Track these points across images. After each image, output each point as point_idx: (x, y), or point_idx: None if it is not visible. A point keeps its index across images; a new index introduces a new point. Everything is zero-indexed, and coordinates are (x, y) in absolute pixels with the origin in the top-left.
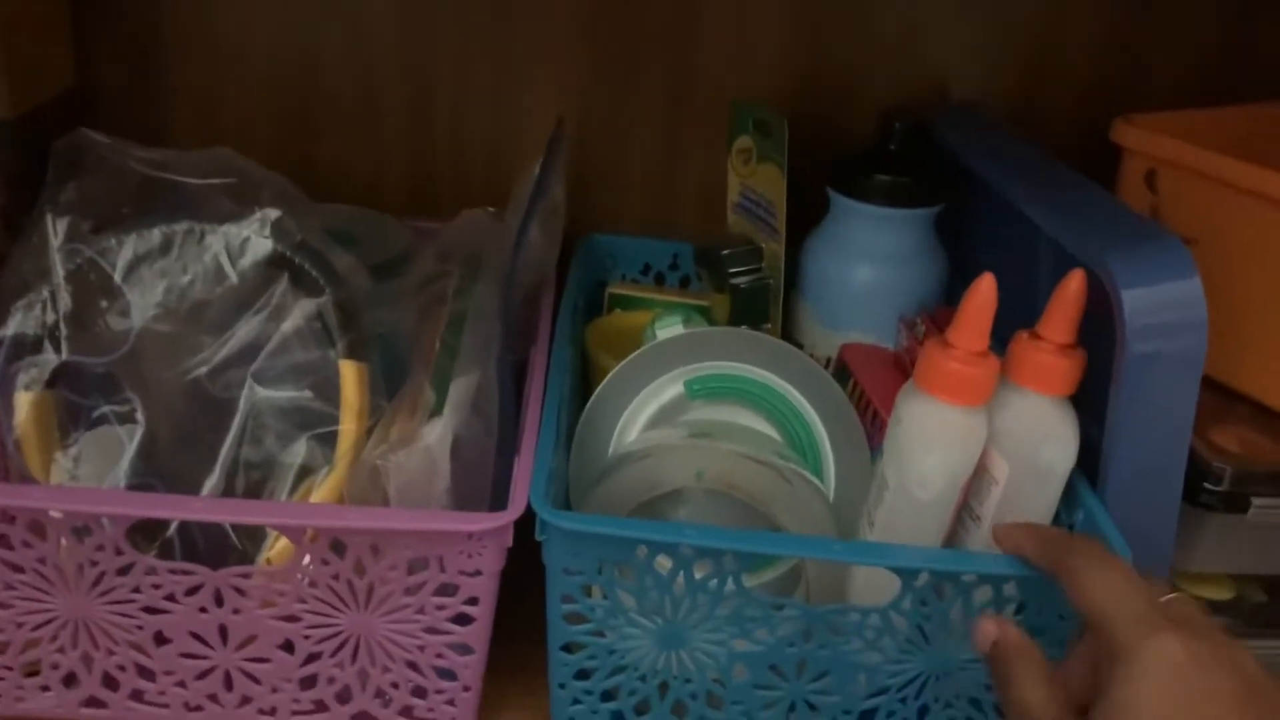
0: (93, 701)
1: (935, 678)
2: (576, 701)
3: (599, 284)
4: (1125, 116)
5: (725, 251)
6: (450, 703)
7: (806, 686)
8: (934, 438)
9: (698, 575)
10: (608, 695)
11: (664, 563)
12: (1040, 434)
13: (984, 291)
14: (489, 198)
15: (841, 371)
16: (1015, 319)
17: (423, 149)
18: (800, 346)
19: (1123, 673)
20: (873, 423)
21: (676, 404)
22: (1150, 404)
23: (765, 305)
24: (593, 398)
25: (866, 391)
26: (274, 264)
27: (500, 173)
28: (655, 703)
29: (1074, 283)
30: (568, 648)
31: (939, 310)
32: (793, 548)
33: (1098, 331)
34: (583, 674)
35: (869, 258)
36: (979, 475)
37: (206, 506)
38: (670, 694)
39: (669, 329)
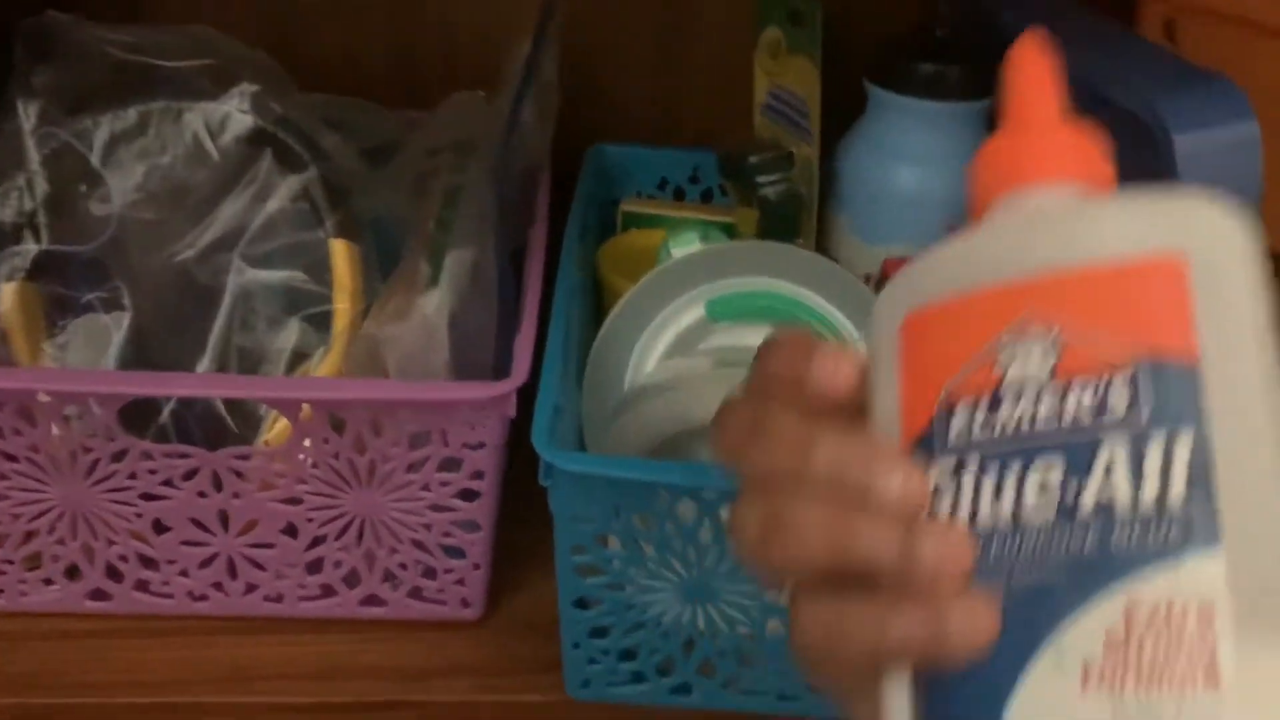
0: (97, 593)
1: None
2: (593, 661)
3: (611, 201)
4: None
5: (751, 159)
6: (460, 582)
7: None
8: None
9: (725, 521)
10: (627, 654)
11: (688, 507)
12: None
13: (1032, 50)
14: (476, 88)
15: None
16: None
17: (409, 35)
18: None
19: None
20: None
21: (698, 329)
22: None
23: (796, 218)
24: (605, 325)
25: None
26: (256, 140)
27: (490, 61)
28: (680, 661)
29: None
30: (581, 603)
31: None
32: None
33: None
34: (599, 631)
35: (913, 160)
36: None
37: (200, 382)
38: (696, 652)
39: (684, 246)
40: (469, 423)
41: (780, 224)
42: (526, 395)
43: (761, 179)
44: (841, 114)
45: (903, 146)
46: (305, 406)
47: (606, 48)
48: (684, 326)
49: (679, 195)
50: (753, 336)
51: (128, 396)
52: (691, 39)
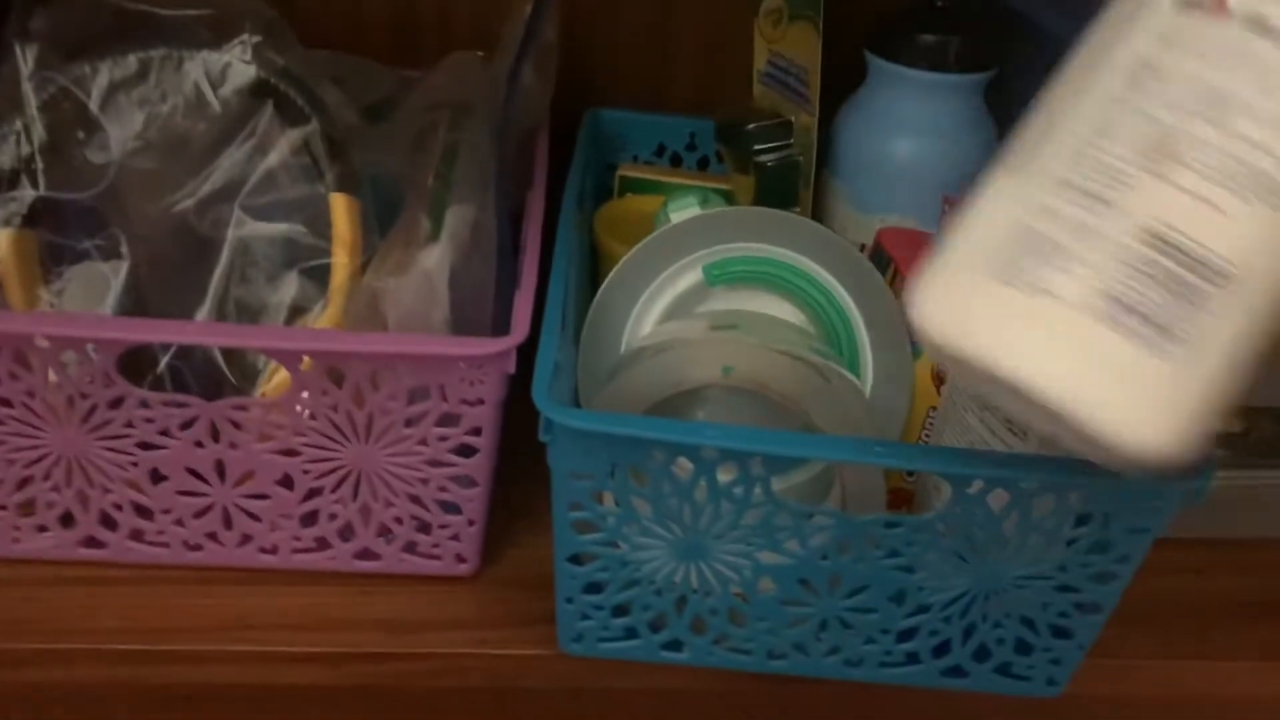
0: (91, 541)
1: (985, 595)
2: (586, 617)
3: (608, 166)
4: None
5: (750, 126)
6: (454, 537)
7: (840, 603)
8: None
9: (721, 480)
10: (620, 610)
11: (684, 466)
12: None
13: None
14: (474, 48)
15: (879, 258)
16: None
17: None
18: None
19: None
20: None
21: (695, 293)
22: None
23: (794, 186)
24: (602, 288)
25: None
26: (257, 92)
27: (486, 22)
28: (672, 618)
29: None
30: (576, 559)
31: None
32: (830, 450)
33: None
34: (593, 587)
35: (911, 130)
36: None
37: (202, 330)
38: (688, 609)
39: (683, 211)
40: (468, 378)
41: (777, 192)
42: (524, 353)
43: (759, 147)
44: (840, 83)
45: (900, 117)
46: (305, 358)
47: (603, 11)
48: (681, 290)
49: (675, 161)
50: (749, 301)
51: (128, 343)
52: (689, 4)
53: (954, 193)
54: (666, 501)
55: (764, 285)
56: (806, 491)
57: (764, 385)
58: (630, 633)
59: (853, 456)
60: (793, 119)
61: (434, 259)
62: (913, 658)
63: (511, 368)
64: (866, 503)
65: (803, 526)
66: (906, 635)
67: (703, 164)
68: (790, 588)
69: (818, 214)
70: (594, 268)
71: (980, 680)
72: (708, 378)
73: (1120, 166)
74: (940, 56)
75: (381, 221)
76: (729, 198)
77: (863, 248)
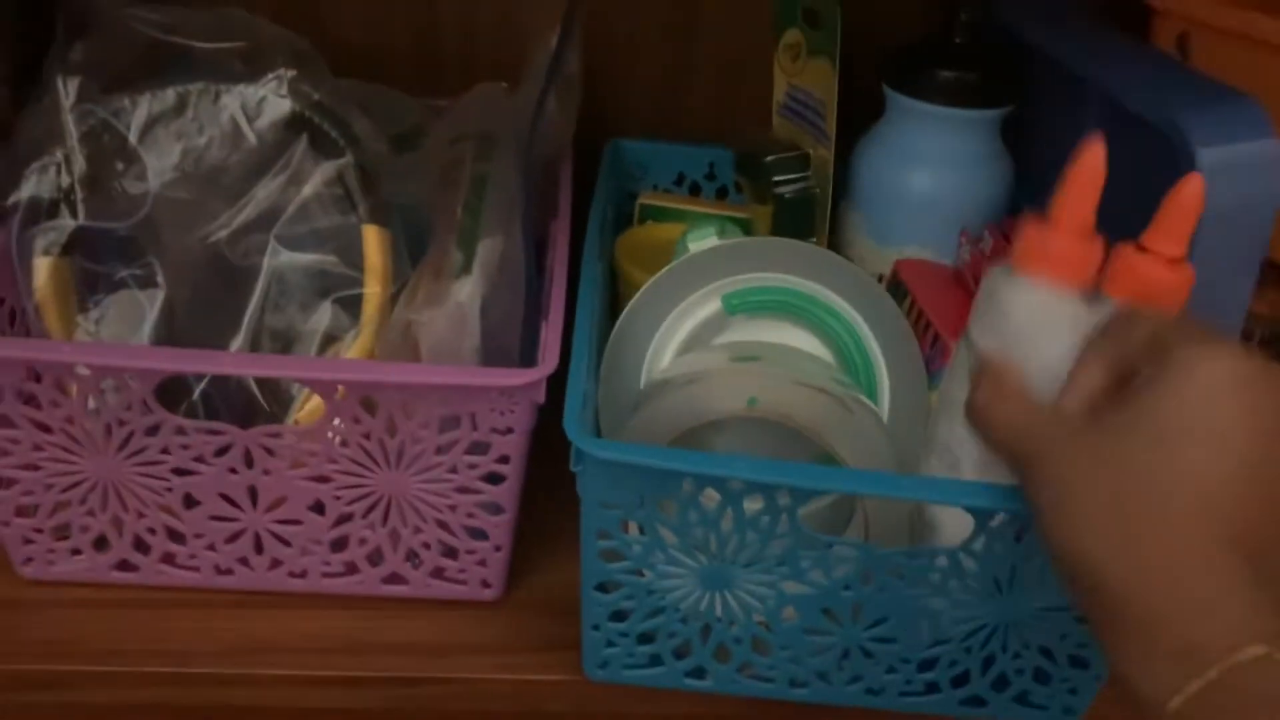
0: (124, 565)
1: (1005, 626)
2: (611, 644)
3: (628, 195)
4: None
5: (768, 158)
6: (481, 563)
7: (862, 633)
8: (1057, 331)
9: (747, 511)
10: (645, 638)
11: (711, 496)
12: None
13: (1093, 162)
14: (495, 77)
15: (897, 289)
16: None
17: (429, 24)
18: None
19: (1174, 379)
20: (932, 346)
21: (714, 322)
22: (1213, 267)
23: (811, 218)
24: (622, 316)
25: (926, 311)
26: (292, 125)
27: (508, 52)
28: (697, 646)
29: (1189, 187)
30: (603, 587)
31: (1006, 222)
32: (856, 483)
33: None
34: (619, 615)
35: (929, 163)
36: None
37: (238, 361)
38: (713, 637)
39: (702, 241)
40: (499, 408)
41: (795, 223)
42: (549, 382)
43: (778, 178)
44: (858, 116)
45: (918, 151)
46: (340, 388)
47: (622, 44)
48: (700, 319)
49: (694, 190)
50: (768, 331)
51: (168, 372)
52: (706, 37)
53: (971, 225)
54: (693, 531)
55: (782, 314)
56: (828, 516)
57: (788, 416)
58: (654, 660)
59: (880, 490)
60: (810, 151)
61: (466, 291)
62: (933, 687)
63: (541, 398)
64: (890, 533)
65: (826, 557)
66: (927, 665)
67: (721, 193)
68: (813, 617)
69: (836, 245)
70: (614, 293)
71: (998, 709)
72: (733, 409)
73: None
74: (958, 91)
75: (410, 250)
76: (747, 227)
77: (880, 278)
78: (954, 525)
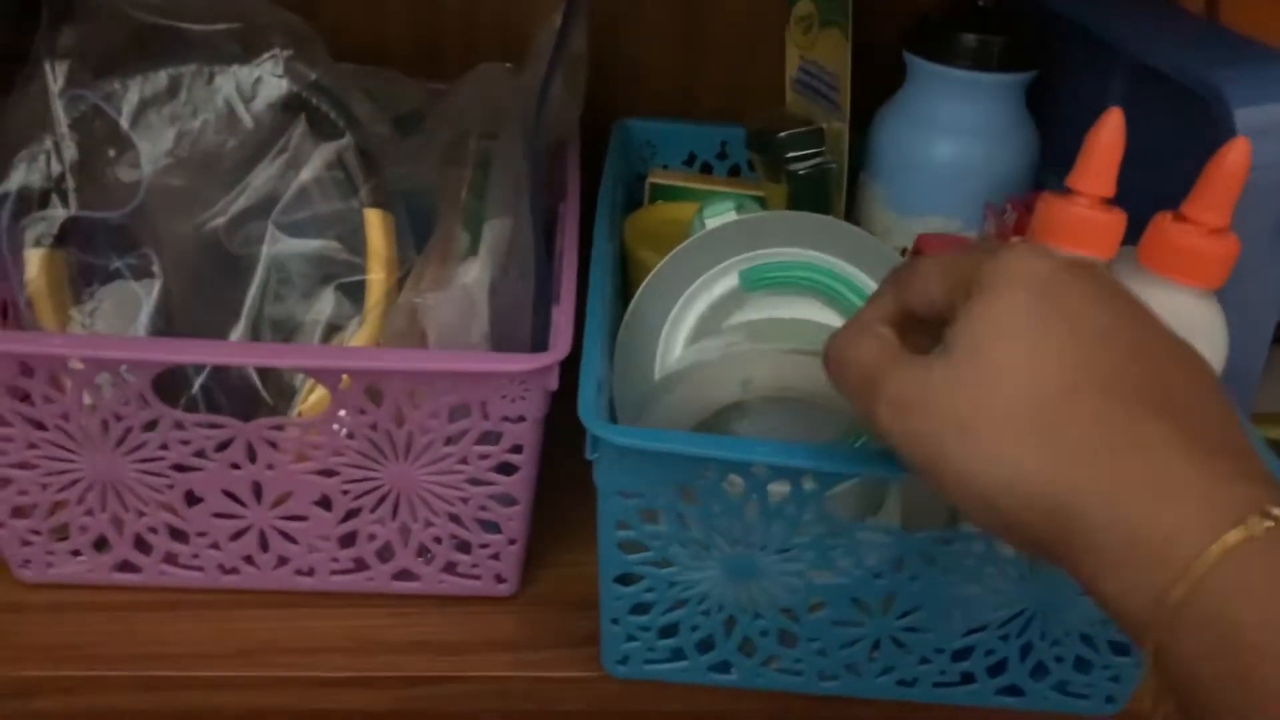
0: (125, 565)
1: (1043, 613)
2: (631, 638)
3: (638, 176)
4: None
5: (782, 135)
6: (495, 557)
7: (894, 622)
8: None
9: (772, 497)
10: (667, 631)
11: (735, 483)
12: (1186, 334)
13: (1113, 129)
14: (499, 59)
15: None
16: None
17: (429, 8)
18: None
19: (981, 288)
20: None
21: (731, 299)
22: (1249, 232)
23: (827, 194)
24: (637, 295)
25: None
26: (289, 106)
27: (510, 35)
28: (720, 639)
29: (1234, 153)
30: (623, 579)
31: (1030, 195)
32: (883, 467)
33: (1193, 165)
34: (639, 608)
35: (951, 131)
36: None
37: (240, 350)
38: (737, 630)
39: (719, 216)
40: (510, 395)
41: (810, 199)
42: (561, 367)
43: (792, 154)
44: (872, 88)
45: (941, 117)
46: (344, 377)
47: (630, 21)
48: (717, 296)
49: (706, 170)
50: (786, 308)
51: (164, 364)
52: (716, 11)
53: (995, 196)
54: (717, 520)
55: (802, 290)
56: (860, 495)
57: (785, 388)
58: (677, 654)
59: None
60: (825, 126)
61: (473, 274)
62: (968, 677)
63: (554, 384)
64: (925, 514)
65: (856, 543)
66: (961, 654)
67: (734, 172)
68: (843, 607)
69: (854, 219)
70: (623, 275)
71: (1037, 699)
72: (730, 395)
73: None
74: (981, 56)
75: (414, 234)
76: (763, 204)
77: (903, 251)
78: None
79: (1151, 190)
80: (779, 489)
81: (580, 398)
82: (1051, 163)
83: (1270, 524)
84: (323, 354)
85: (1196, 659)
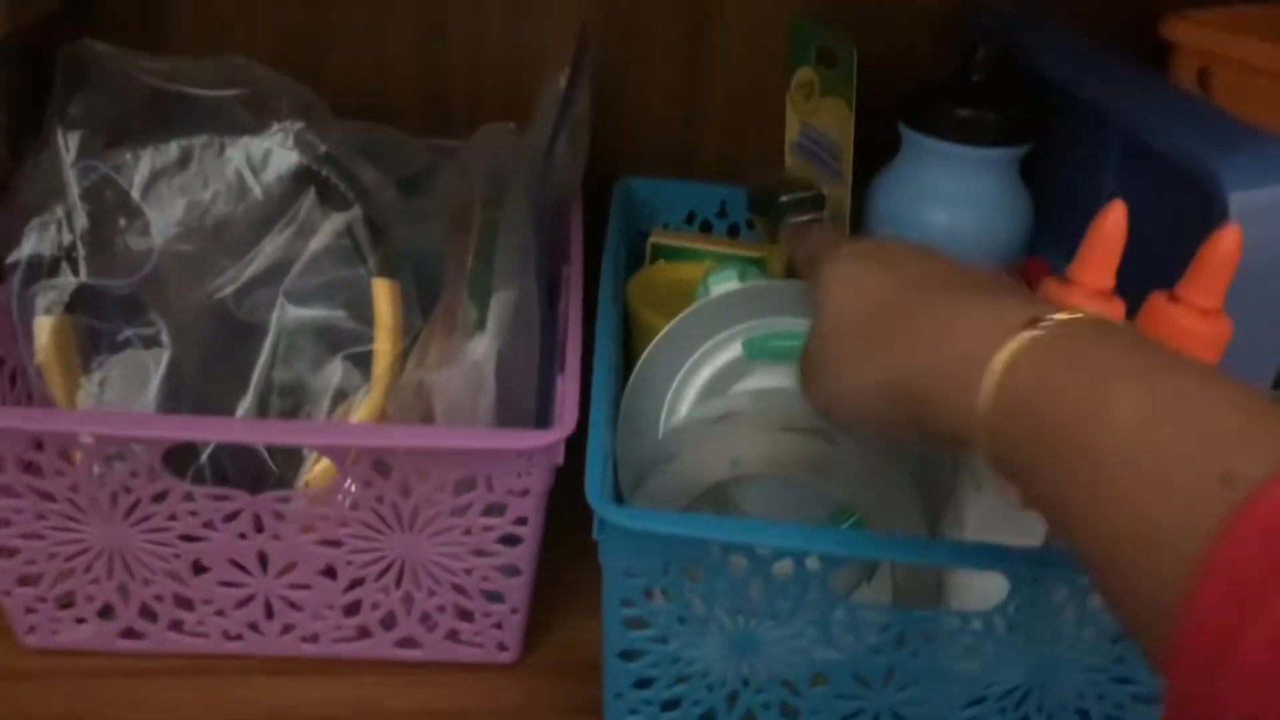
0: (130, 633)
1: (1040, 687)
2: (634, 711)
3: (638, 233)
4: (1176, 11)
5: (784, 198)
6: (497, 625)
7: (894, 696)
8: None
9: (776, 575)
10: (669, 704)
11: (738, 562)
12: None
13: (1115, 224)
14: (503, 116)
15: None
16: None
17: (435, 66)
18: None
19: (817, 263)
20: None
21: (735, 367)
22: (1245, 313)
23: None
24: (639, 364)
25: None
26: (299, 178)
27: (515, 92)
28: (722, 713)
29: (1227, 240)
30: (626, 654)
31: (1025, 262)
32: (887, 550)
33: (1186, 242)
34: (643, 682)
35: (946, 201)
36: None
37: (247, 428)
38: (739, 704)
39: (723, 284)
40: (516, 470)
41: None
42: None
43: (793, 219)
44: (871, 153)
45: (935, 187)
46: (352, 451)
47: (632, 82)
48: (720, 365)
49: (705, 228)
50: (790, 377)
51: (173, 440)
52: (716, 74)
53: (988, 261)
54: (720, 598)
55: None
56: (853, 569)
57: (773, 463)
58: None
59: (913, 556)
60: (825, 191)
61: (482, 350)
62: None
63: (560, 459)
64: (919, 593)
65: (858, 620)
66: None
67: (733, 231)
68: (844, 682)
69: None
70: (625, 333)
71: None
72: (719, 473)
73: None
74: (974, 130)
75: (421, 297)
76: (764, 267)
77: None
78: (982, 582)
79: (1146, 257)
80: (783, 569)
81: (587, 479)
82: (1047, 228)
83: (1046, 324)
84: (331, 431)
85: (1015, 446)
